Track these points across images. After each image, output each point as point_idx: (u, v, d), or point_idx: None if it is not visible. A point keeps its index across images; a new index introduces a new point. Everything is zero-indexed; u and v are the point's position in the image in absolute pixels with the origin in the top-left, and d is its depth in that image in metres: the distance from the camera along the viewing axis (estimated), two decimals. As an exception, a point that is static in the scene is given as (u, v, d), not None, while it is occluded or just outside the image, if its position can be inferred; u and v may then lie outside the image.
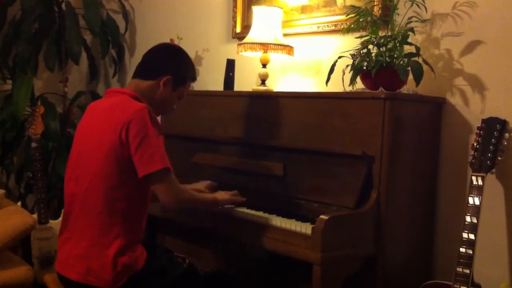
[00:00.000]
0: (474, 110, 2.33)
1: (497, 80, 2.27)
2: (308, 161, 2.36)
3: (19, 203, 3.25)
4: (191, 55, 3.58)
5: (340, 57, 2.39)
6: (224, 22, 3.43)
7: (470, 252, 2.02)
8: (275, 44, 2.77)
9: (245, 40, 2.85)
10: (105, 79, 4.44)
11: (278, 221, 2.16)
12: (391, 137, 2.15)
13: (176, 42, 3.40)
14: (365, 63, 2.31)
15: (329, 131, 2.32)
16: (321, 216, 1.99)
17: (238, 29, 3.30)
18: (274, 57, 2.90)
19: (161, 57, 2.23)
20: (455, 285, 2.03)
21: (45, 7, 3.90)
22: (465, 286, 2.00)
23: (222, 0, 3.43)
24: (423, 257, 2.41)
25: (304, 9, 2.96)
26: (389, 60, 2.27)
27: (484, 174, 2.07)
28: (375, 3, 2.57)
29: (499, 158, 2.09)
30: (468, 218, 2.05)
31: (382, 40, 2.31)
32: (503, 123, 2.12)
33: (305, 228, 2.04)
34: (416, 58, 2.26)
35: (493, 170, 2.14)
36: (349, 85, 2.35)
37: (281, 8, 2.90)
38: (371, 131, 2.17)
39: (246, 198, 2.36)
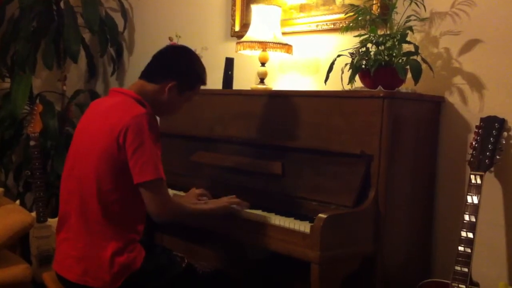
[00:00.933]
0: (472, 109, 2.33)
1: (496, 79, 2.27)
2: (307, 160, 2.36)
3: (17, 202, 3.25)
4: (190, 53, 3.58)
5: (339, 56, 2.39)
6: (223, 20, 3.43)
7: (469, 250, 2.02)
8: (274, 43, 2.77)
9: (244, 39, 2.84)
10: (104, 78, 4.43)
11: (277, 220, 2.16)
12: (389, 135, 2.15)
13: (174, 40, 3.40)
14: (364, 62, 2.31)
15: (328, 130, 2.32)
16: (320, 215, 1.99)
17: (237, 28, 3.30)
18: (273, 55, 2.90)
19: (169, 61, 2.18)
20: (453, 284, 2.03)
21: (44, 5, 3.90)
22: (464, 285, 2.01)
23: (221, -2, 3.44)
24: (422, 256, 2.41)
25: (302, 8, 2.96)
26: (387, 59, 2.27)
27: (483, 173, 2.08)
28: (374, 2, 2.57)
29: (497, 157, 2.10)
30: (466, 217, 2.05)
31: (381, 39, 2.31)
32: (502, 122, 2.12)
33: (304, 226, 2.04)
34: (414, 57, 2.26)
35: (492, 169, 2.14)
36: (348, 84, 2.35)
37: (280, 6, 2.90)
38: (369, 129, 2.17)
39: (244, 196, 2.33)
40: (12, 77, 3.82)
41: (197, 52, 3.54)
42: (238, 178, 2.56)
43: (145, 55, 4.07)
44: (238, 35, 3.19)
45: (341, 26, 2.61)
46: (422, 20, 2.42)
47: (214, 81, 3.28)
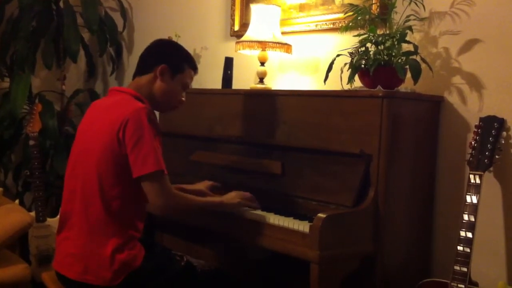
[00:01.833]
0: (472, 109, 2.33)
1: (495, 79, 2.27)
2: (307, 159, 2.36)
3: (16, 201, 3.25)
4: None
5: (338, 55, 2.39)
6: (222, 20, 3.43)
7: (468, 250, 2.02)
8: (273, 42, 2.77)
9: (243, 38, 2.85)
10: (103, 77, 4.43)
11: (276, 219, 2.16)
12: (389, 135, 2.15)
13: (174, 40, 3.40)
14: (363, 62, 2.31)
15: (327, 129, 2.32)
16: (319, 214, 1.99)
17: (236, 27, 3.30)
18: (272, 55, 2.90)
19: (154, 49, 2.24)
20: (452, 283, 2.03)
21: (43, 5, 3.89)
22: (463, 284, 2.01)
23: (220, -2, 3.44)
24: (421, 255, 2.42)
25: (302, 7, 2.96)
26: (387, 59, 2.27)
27: (482, 173, 2.08)
28: (373, 1, 2.57)
29: (496, 157, 2.10)
30: (465, 217, 2.06)
31: (380, 39, 2.31)
32: (501, 121, 2.12)
33: (303, 226, 2.04)
34: (414, 57, 2.26)
35: (491, 169, 2.14)
36: (347, 84, 2.35)
37: (279, 6, 2.90)
38: (369, 129, 2.17)
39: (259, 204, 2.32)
40: (11, 76, 3.81)
41: (196, 52, 3.58)
42: (237, 177, 2.56)
43: (145, 55, 4.06)
44: (238, 35, 3.19)
45: (341, 26, 2.61)
46: (422, 19, 2.42)
47: (213, 80, 3.29)
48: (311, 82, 2.92)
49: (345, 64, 2.37)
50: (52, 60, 3.91)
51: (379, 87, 2.26)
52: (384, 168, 2.15)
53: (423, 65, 2.27)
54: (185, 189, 2.34)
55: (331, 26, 2.79)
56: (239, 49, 2.85)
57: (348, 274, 2.09)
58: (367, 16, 2.42)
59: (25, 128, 3.35)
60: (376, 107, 2.15)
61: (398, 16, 2.40)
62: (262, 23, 2.80)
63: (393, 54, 2.27)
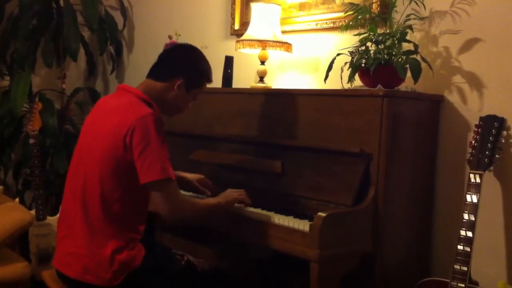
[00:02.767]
0: (472, 108, 2.33)
1: (495, 78, 2.27)
2: (307, 158, 2.36)
3: (16, 200, 3.24)
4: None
5: (338, 55, 2.39)
6: (223, 19, 3.43)
7: (468, 249, 2.02)
8: (274, 41, 2.77)
9: (243, 37, 2.84)
10: (103, 76, 4.43)
11: (276, 219, 2.15)
12: (389, 134, 2.15)
13: (174, 38, 3.40)
14: (364, 61, 2.31)
15: (328, 128, 2.32)
16: (319, 214, 1.99)
17: (236, 26, 3.30)
18: (273, 54, 2.89)
19: (176, 59, 2.20)
20: (452, 283, 2.03)
21: (43, 3, 3.89)
22: (463, 284, 2.01)
23: (221, -4, 3.44)
24: (421, 255, 2.42)
25: (302, 6, 2.96)
26: (387, 58, 2.27)
27: (482, 172, 2.08)
28: (374, 0, 2.57)
29: (497, 156, 2.10)
30: (465, 216, 2.06)
31: (380, 38, 2.31)
32: (501, 121, 2.12)
33: (303, 225, 2.04)
34: (414, 56, 2.26)
35: (491, 168, 2.14)
36: (348, 83, 2.35)
37: (280, 5, 2.90)
38: (369, 128, 2.17)
39: (250, 198, 2.33)
40: (11, 75, 3.81)
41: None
42: (237, 176, 2.56)
43: (145, 54, 4.10)
44: (238, 34, 3.19)
45: (341, 25, 2.61)
46: (422, 19, 2.42)
47: (213, 79, 3.27)
48: (312, 81, 2.92)
49: (346, 63, 2.37)
50: (52, 59, 3.91)
51: (379, 86, 2.26)
52: (384, 167, 2.15)
53: (423, 64, 2.27)
54: (180, 176, 2.36)
55: (332, 25, 2.79)
56: (240, 48, 2.85)
57: (348, 273, 2.09)
58: (368, 15, 2.42)
59: (25, 127, 3.35)
60: (376, 106, 2.15)
61: (398, 15, 2.40)
62: (263, 22, 2.80)
63: (394, 53, 2.27)
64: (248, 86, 2.90)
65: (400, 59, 2.26)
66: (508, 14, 2.24)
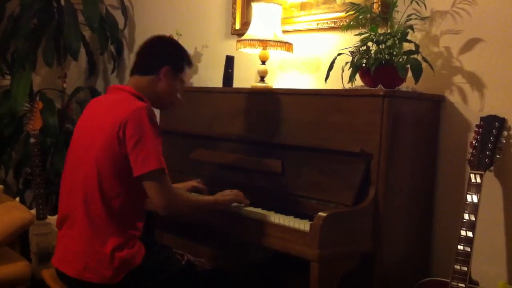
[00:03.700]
0: (472, 108, 2.33)
1: (496, 78, 2.27)
2: (307, 158, 2.36)
3: (17, 199, 3.25)
4: (190, 51, 3.58)
5: (339, 54, 2.39)
6: (224, 18, 3.43)
7: (468, 249, 2.02)
8: (274, 41, 2.77)
9: (244, 37, 2.84)
10: (104, 75, 4.43)
11: (276, 218, 2.16)
12: (389, 134, 2.15)
13: (175, 38, 3.40)
14: (364, 61, 2.31)
15: (328, 128, 2.32)
16: (319, 213, 1.99)
17: (237, 26, 3.30)
18: (273, 54, 2.89)
19: (157, 49, 2.23)
20: (452, 283, 2.03)
21: (44, 3, 3.89)
22: (463, 284, 2.01)
23: (222, -4, 3.43)
24: (421, 254, 2.42)
25: (303, 6, 2.96)
26: (388, 58, 2.27)
27: (483, 172, 2.08)
28: (375, 0, 2.57)
29: (497, 156, 2.10)
30: (466, 216, 2.06)
31: (381, 38, 2.31)
32: (502, 121, 2.12)
33: (303, 225, 2.04)
34: (415, 56, 2.26)
35: (492, 168, 2.14)
36: (348, 83, 2.35)
37: (281, 4, 2.89)
38: (369, 128, 2.17)
39: (248, 200, 2.34)
40: (12, 74, 3.81)
41: (197, 50, 3.58)
42: (237, 176, 2.56)
43: (146, 53, 4.05)
44: (239, 33, 3.19)
45: (342, 25, 2.61)
46: (423, 19, 2.42)
47: (214, 79, 3.29)
48: (312, 81, 2.92)
49: (346, 63, 2.37)
50: (53, 58, 3.91)
51: (380, 86, 2.26)
52: (385, 167, 2.15)
53: (424, 64, 2.27)
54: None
55: (332, 25, 2.79)
56: (240, 48, 2.85)
57: (348, 272, 2.09)
58: (369, 15, 2.42)
59: (25, 126, 3.35)
60: (377, 106, 2.15)
61: (399, 15, 2.40)
62: (263, 21, 2.80)
63: (394, 53, 2.27)
64: (248, 86, 2.89)
65: (401, 59, 2.26)
66: (509, 14, 2.23)
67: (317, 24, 2.87)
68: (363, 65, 2.31)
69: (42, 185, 3.24)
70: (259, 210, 2.26)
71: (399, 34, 2.29)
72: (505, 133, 2.13)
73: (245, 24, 3.18)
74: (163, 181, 1.96)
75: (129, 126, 1.93)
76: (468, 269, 2.01)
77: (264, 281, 2.62)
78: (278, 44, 2.77)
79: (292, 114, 2.48)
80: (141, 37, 4.10)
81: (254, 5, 2.88)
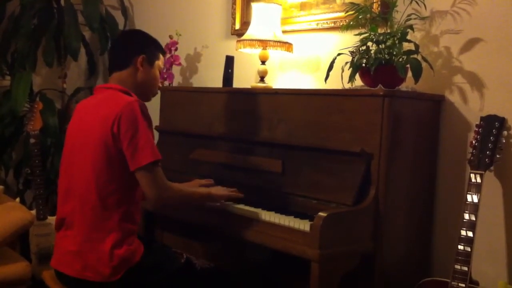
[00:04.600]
0: (473, 108, 2.33)
1: (496, 78, 2.27)
2: (307, 158, 2.36)
3: (17, 199, 3.25)
4: (190, 51, 3.60)
5: (339, 54, 2.39)
6: (223, 18, 3.43)
7: (468, 249, 2.02)
8: (274, 41, 2.77)
9: (244, 37, 2.84)
10: (104, 75, 4.43)
11: (276, 218, 2.16)
12: (389, 134, 2.15)
13: (175, 38, 3.40)
14: (364, 60, 2.31)
15: (328, 128, 2.32)
16: (320, 213, 1.99)
17: (237, 26, 3.30)
18: (273, 54, 2.90)
19: (127, 42, 2.27)
20: (453, 283, 2.03)
21: (44, 3, 3.89)
22: (463, 284, 2.01)
23: (222, -4, 3.43)
24: (421, 254, 2.42)
25: (303, 6, 2.96)
26: (388, 58, 2.27)
27: (483, 172, 2.08)
28: (375, 0, 2.57)
29: (497, 156, 2.10)
30: (466, 216, 2.06)
31: (381, 37, 2.31)
32: (502, 120, 2.12)
33: (303, 225, 2.04)
34: (415, 56, 2.26)
35: (492, 168, 2.14)
36: (348, 82, 2.35)
37: (280, 5, 2.90)
38: (370, 128, 2.17)
39: (243, 194, 2.35)
40: (12, 74, 3.81)
41: (197, 50, 3.58)
42: (237, 176, 2.56)
43: (145, 53, 4.05)
44: (239, 33, 3.19)
45: (342, 25, 2.61)
46: (423, 18, 2.41)
47: (214, 79, 3.29)
48: (312, 81, 2.92)
49: (346, 63, 2.37)
50: (53, 58, 3.91)
51: (380, 86, 2.26)
52: (385, 167, 2.15)
53: (424, 64, 2.27)
54: None
55: (332, 25, 2.79)
56: (240, 48, 2.85)
57: (348, 272, 2.09)
58: (368, 15, 2.42)
59: (25, 126, 3.35)
60: (377, 106, 2.15)
61: (399, 15, 2.40)
62: (263, 21, 2.80)
63: (394, 53, 2.27)
64: (248, 86, 2.90)
65: (400, 59, 2.26)
66: (509, 14, 2.23)
67: (317, 24, 2.87)
68: (363, 65, 2.31)
69: (42, 185, 3.24)
70: (259, 210, 2.26)
71: (399, 34, 2.29)
72: (505, 132, 2.13)
73: (245, 24, 3.18)
74: (156, 173, 1.99)
75: (123, 121, 1.95)
76: (468, 269, 2.01)
77: (264, 281, 2.62)
78: (278, 44, 2.78)
79: (292, 114, 2.48)
80: (141, 37, 4.10)
81: (254, 5, 2.88)
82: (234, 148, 2.67)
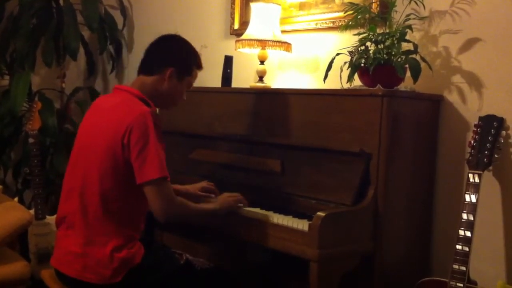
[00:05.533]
0: (471, 108, 2.33)
1: (495, 78, 2.27)
2: (306, 158, 2.36)
3: (16, 199, 3.24)
4: (189, 51, 3.58)
5: (338, 54, 2.39)
6: (222, 18, 3.43)
7: (467, 249, 2.02)
8: (273, 41, 2.77)
9: (243, 37, 2.85)
10: (103, 75, 4.43)
11: (275, 218, 2.16)
12: (388, 134, 2.15)
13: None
14: (363, 60, 2.31)
15: (327, 128, 2.32)
16: (318, 213, 1.99)
17: (236, 26, 3.30)
18: (272, 53, 2.90)
19: (163, 49, 2.21)
20: (451, 282, 2.04)
21: (43, 3, 3.89)
22: (462, 283, 2.01)
23: (221, -4, 3.43)
24: (420, 254, 2.42)
25: (302, 6, 2.96)
26: (387, 57, 2.27)
27: (481, 172, 2.08)
28: (373, 0, 2.57)
29: (496, 156, 2.10)
30: (464, 216, 2.06)
31: (380, 37, 2.31)
32: (500, 120, 2.12)
33: (302, 224, 2.05)
34: (414, 56, 2.27)
35: (490, 168, 2.14)
36: (347, 82, 2.35)
37: (279, 4, 2.90)
38: (368, 128, 2.18)
39: (247, 199, 2.33)
40: (11, 74, 3.81)
41: (196, 50, 3.56)
42: (236, 175, 2.56)
43: (145, 53, 4.05)
44: (237, 33, 3.19)
45: (341, 25, 2.61)
46: (422, 18, 2.42)
47: (213, 79, 3.28)
48: (311, 80, 2.92)
49: (345, 63, 2.37)
50: (52, 58, 3.91)
51: (378, 86, 2.26)
52: (384, 166, 2.15)
53: (422, 64, 2.27)
54: (177, 190, 2.34)
55: (331, 24, 2.79)
56: (239, 48, 2.85)
57: (348, 272, 2.09)
58: (367, 15, 2.42)
59: (24, 126, 3.35)
60: (376, 106, 2.15)
61: (398, 15, 2.40)
62: (262, 21, 2.80)
63: (393, 53, 2.27)
64: (247, 86, 2.90)
65: (399, 59, 2.26)
66: (508, 14, 2.24)
67: (316, 24, 2.87)
68: (362, 65, 2.31)
69: (41, 185, 3.24)
70: (258, 210, 2.26)
71: (398, 34, 2.29)
72: (504, 132, 2.13)
73: (244, 24, 3.18)
74: (164, 189, 1.96)
75: (134, 132, 1.92)
76: (466, 268, 2.01)
77: (263, 281, 2.62)
78: (277, 44, 2.78)
79: (291, 114, 2.48)
80: (140, 37, 4.11)
81: (253, 5, 2.88)
82: (233, 148, 2.67)
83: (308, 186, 2.30)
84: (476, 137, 2.14)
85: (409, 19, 2.36)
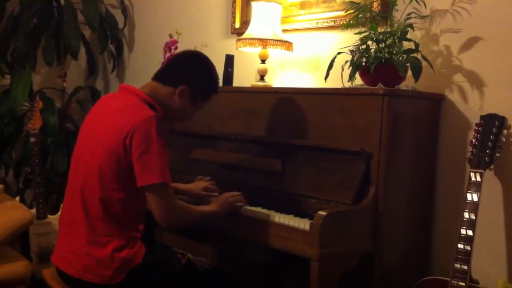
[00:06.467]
0: (472, 107, 2.33)
1: (496, 77, 2.27)
2: (307, 157, 2.36)
3: (17, 198, 3.25)
4: (190, 50, 3.58)
5: (339, 53, 2.39)
6: (223, 17, 3.43)
7: (468, 248, 2.02)
8: (274, 40, 2.77)
9: (244, 36, 2.84)
10: (104, 74, 4.43)
11: (276, 217, 2.16)
12: (389, 133, 2.15)
13: (175, 37, 3.39)
14: (364, 59, 2.31)
15: (328, 127, 2.32)
16: (319, 212, 1.99)
17: (237, 25, 3.30)
18: (273, 53, 2.89)
19: (183, 65, 2.17)
20: (453, 281, 2.03)
21: (44, 2, 3.89)
22: (463, 282, 2.01)
23: (221, -5, 3.43)
24: (421, 253, 2.42)
25: (303, 5, 2.95)
26: (388, 56, 2.27)
27: (483, 171, 2.08)
28: (374, -1, 2.57)
29: (497, 155, 2.10)
30: (466, 215, 2.06)
31: (381, 36, 2.31)
32: (502, 119, 2.12)
33: (303, 224, 2.04)
34: (415, 54, 2.26)
35: (491, 167, 2.14)
36: (348, 81, 2.35)
37: (280, 3, 2.89)
38: (369, 127, 2.17)
39: (243, 194, 2.33)
40: (12, 73, 3.81)
41: (197, 49, 3.55)
42: (237, 175, 2.56)
43: (145, 52, 4.10)
44: (238, 32, 3.19)
45: (342, 24, 2.61)
46: (423, 17, 2.41)
47: (214, 78, 3.28)
48: (312, 79, 2.92)
49: (346, 62, 2.37)
50: (53, 57, 3.91)
51: (380, 85, 2.26)
52: (385, 166, 2.15)
53: (424, 63, 2.27)
54: (178, 189, 2.34)
55: (332, 23, 2.79)
56: (240, 47, 2.85)
57: (348, 271, 2.09)
58: (368, 14, 2.42)
59: (25, 125, 3.35)
60: (377, 105, 2.15)
61: (399, 14, 2.40)
62: (263, 20, 2.80)
63: (394, 52, 2.27)
64: (248, 85, 2.90)
65: (400, 58, 2.26)
66: (509, 13, 2.23)
67: (317, 23, 2.87)
68: (363, 63, 2.31)
69: (42, 184, 3.24)
70: (259, 209, 2.26)
71: (399, 32, 2.29)
72: (505, 131, 2.13)
73: (245, 23, 3.18)
74: (165, 195, 1.95)
75: (136, 135, 1.90)
76: (468, 267, 2.01)
77: (264, 280, 2.62)
78: (278, 43, 2.77)
79: (292, 113, 2.48)
80: (140, 36, 4.11)
81: (254, 4, 2.88)
82: (234, 148, 2.67)
83: (309, 185, 2.30)
84: (478, 136, 2.14)
85: (410, 18, 2.36)
